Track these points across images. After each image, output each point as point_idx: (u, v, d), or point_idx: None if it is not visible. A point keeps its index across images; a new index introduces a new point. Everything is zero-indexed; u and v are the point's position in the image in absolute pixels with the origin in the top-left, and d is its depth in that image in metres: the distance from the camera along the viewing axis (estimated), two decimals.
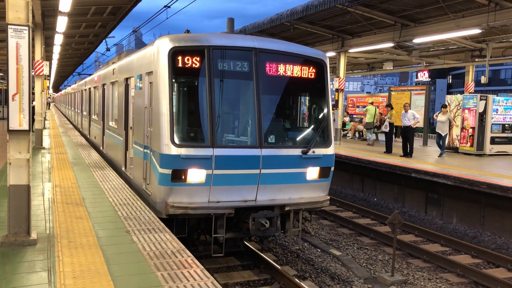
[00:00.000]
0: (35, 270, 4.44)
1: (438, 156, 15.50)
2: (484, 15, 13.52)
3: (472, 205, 11.45)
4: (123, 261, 4.72)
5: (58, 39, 17.92)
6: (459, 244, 10.09)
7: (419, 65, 23.75)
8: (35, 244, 5.12)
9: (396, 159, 14.49)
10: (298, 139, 8.16)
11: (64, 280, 4.16)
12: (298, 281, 7.35)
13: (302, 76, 7.87)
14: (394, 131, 18.06)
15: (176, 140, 6.96)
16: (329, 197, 8.22)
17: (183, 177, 6.94)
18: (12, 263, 4.60)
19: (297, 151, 7.63)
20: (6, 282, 4.13)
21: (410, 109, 15.50)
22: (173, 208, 6.92)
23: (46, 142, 15.98)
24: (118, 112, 11.09)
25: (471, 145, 16.37)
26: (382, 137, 20.73)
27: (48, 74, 25.14)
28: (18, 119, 4.96)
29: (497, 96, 17.58)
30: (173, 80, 7.13)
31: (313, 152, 7.71)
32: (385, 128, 16.72)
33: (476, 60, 20.22)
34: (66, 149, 14.35)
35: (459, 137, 16.79)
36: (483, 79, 19.30)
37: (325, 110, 8.19)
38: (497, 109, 16.75)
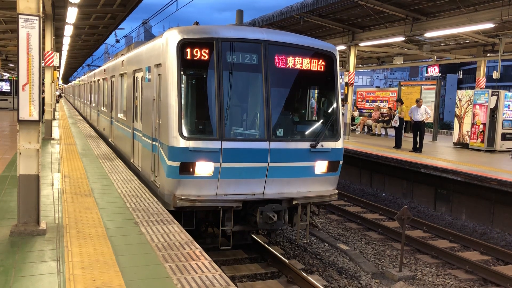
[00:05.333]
0: (44, 259, 4.46)
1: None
2: (498, 9, 13.31)
3: (482, 201, 11.35)
4: (131, 252, 4.73)
5: (68, 30, 17.97)
6: (468, 240, 10.02)
7: (429, 60, 23.49)
8: (44, 234, 5.15)
9: (405, 154, 14.39)
10: (306, 132, 8.11)
11: (72, 270, 4.18)
12: (305, 275, 7.34)
13: (312, 69, 7.81)
14: (404, 126, 17.92)
15: (185, 133, 6.95)
16: (337, 191, 8.18)
17: (191, 169, 6.94)
18: (21, 252, 4.63)
19: (305, 145, 7.59)
20: (16, 271, 4.16)
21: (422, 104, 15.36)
22: (181, 200, 6.93)
23: (55, 133, 16.08)
24: (126, 104, 11.11)
25: (482, 141, 16.21)
26: (391, 132, 20.61)
27: (58, 65, 25.27)
28: (28, 109, 4.98)
29: (509, 92, 17.35)
30: (182, 72, 7.10)
31: (322, 145, 7.66)
32: (395, 123, 16.61)
33: (488, 55, 19.94)
34: (75, 140, 14.42)
35: (469, 133, 16.62)
36: (495, 75, 19.08)
37: (334, 104, 8.13)
38: (509, 105, 16.55)
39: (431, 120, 18.22)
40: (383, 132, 22.15)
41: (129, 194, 7.25)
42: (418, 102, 15.24)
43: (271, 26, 19.16)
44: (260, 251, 8.45)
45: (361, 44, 18.92)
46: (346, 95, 19.31)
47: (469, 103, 16.69)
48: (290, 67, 7.63)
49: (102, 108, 16.97)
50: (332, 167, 7.90)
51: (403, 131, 17.38)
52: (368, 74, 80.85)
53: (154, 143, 8.03)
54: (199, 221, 7.61)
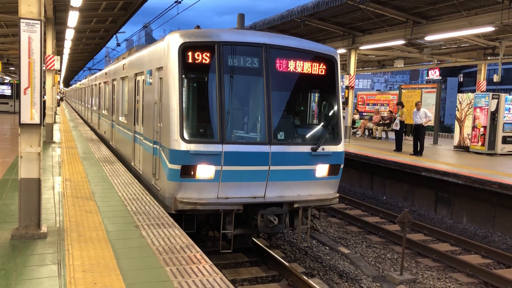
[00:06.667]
0: (45, 263, 4.47)
1: None
2: (498, 12, 13.33)
3: (483, 204, 11.34)
4: (132, 255, 4.73)
5: (69, 34, 18.02)
6: (469, 243, 10.00)
7: (430, 63, 23.50)
8: (45, 237, 5.15)
9: (406, 157, 14.39)
10: (307, 136, 8.12)
11: (73, 274, 4.18)
12: (306, 278, 7.33)
13: (313, 72, 7.82)
14: (405, 129, 17.90)
15: (186, 136, 6.96)
16: (338, 195, 8.19)
17: (192, 173, 6.95)
18: (22, 255, 4.63)
19: (306, 148, 7.60)
20: (17, 274, 4.17)
21: (422, 107, 15.36)
22: (182, 203, 6.93)
23: (56, 136, 16.10)
24: (127, 107, 11.13)
25: (482, 144, 16.21)
26: (392, 135, 20.61)
27: (59, 68, 25.31)
28: (29, 113, 4.99)
29: (509, 95, 17.36)
30: (183, 76, 7.12)
31: (323, 149, 7.67)
32: (396, 126, 16.61)
33: (489, 58, 19.96)
34: (76, 143, 14.44)
35: (470, 136, 16.62)
36: (496, 78, 19.08)
37: (335, 107, 8.14)
38: (509, 108, 16.54)
39: (431, 123, 18.22)
40: (383, 135, 22.15)
41: (130, 198, 7.26)
42: (417, 105, 15.28)
43: (271, 29, 19.19)
44: (261, 255, 8.44)
45: (362, 47, 18.95)
46: (347, 99, 19.31)
47: (470, 106, 16.70)
48: (291, 70, 7.65)
49: (103, 112, 16.99)
50: (333, 171, 7.90)
51: (403, 134, 17.37)
52: (368, 77, 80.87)
53: (155, 146, 8.04)
54: (200, 224, 7.62)
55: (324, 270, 8.32)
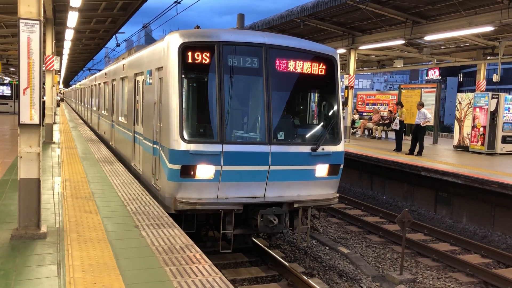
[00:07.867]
0: (44, 263, 4.46)
1: None
2: (497, 12, 13.34)
3: (483, 204, 11.34)
4: (131, 255, 4.73)
5: (69, 34, 18.01)
6: (469, 243, 10.00)
7: (430, 63, 23.51)
8: (44, 238, 5.15)
9: (405, 157, 14.39)
10: (307, 136, 8.12)
11: (73, 274, 4.18)
12: (306, 278, 7.33)
13: (312, 72, 7.82)
14: (404, 129, 17.90)
15: (186, 136, 6.96)
16: (338, 195, 8.19)
17: (192, 173, 6.95)
18: (22, 256, 4.63)
19: (306, 148, 7.60)
20: (16, 275, 4.17)
21: (422, 107, 15.34)
22: (182, 203, 6.93)
23: (56, 136, 16.10)
24: (127, 107, 11.13)
25: (482, 144, 16.21)
26: (391, 135, 20.62)
27: (58, 69, 25.31)
28: (29, 113, 4.99)
29: (509, 94, 17.36)
30: (183, 76, 7.12)
31: (323, 149, 7.67)
32: (395, 126, 16.62)
33: (488, 58, 19.98)
34: (76, 143, 14.44)
35: (469, 136, 16.62)
36: (495, 78, 19.12)
37: (335, 107, 8.14)
38: (509, 108, 16.55)
39: (430, 123, 18.22)
40: (383, 135, 22.16)
41: (130, 198, 7.25)
42: (417, 106, 15.30)
43: (271, 29, 19.20)
44: (261, 255, 8.44)
45: (361, 47, 18.96)
46: (347, 99, 19.32)
47: (469, 106, 16.70)
48: (291, 70, 7.65)
49: (103, 112, 16.99)
50: (332, 171, 7.90)
51: (403, 134, 17.38)
52: (368, 77, 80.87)
53: (155, 146, 8.04)
54: (199, 224, 7.62)
55: (324, 270, 8.32)
